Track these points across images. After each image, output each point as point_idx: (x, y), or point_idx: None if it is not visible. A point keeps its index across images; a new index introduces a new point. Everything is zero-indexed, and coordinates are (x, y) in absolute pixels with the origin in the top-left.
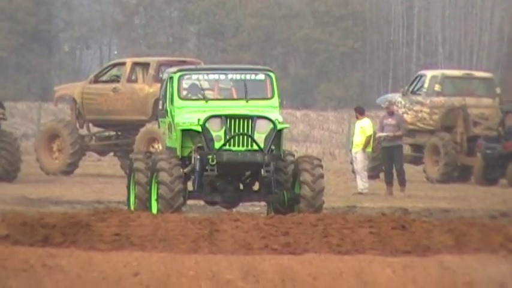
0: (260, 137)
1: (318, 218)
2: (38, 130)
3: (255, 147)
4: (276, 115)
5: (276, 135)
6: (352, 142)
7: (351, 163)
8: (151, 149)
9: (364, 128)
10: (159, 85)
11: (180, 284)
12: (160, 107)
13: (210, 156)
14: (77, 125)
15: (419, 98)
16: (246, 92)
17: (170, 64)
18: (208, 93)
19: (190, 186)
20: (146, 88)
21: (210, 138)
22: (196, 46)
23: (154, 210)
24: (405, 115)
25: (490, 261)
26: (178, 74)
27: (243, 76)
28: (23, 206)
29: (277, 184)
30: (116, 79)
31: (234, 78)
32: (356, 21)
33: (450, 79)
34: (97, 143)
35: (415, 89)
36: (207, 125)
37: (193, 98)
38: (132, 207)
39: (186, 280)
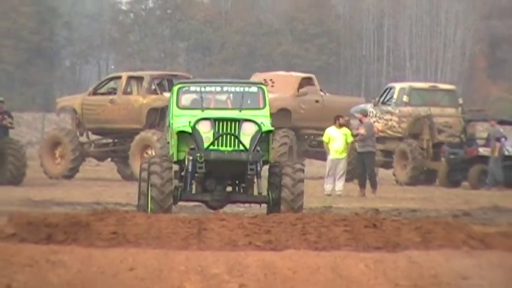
0: (246, 138)
1: (297, 217)
2: (42, 138)
3: (241, 147)
4: (264, 120)
5: (264, 138)
6: (329, 148)
7: (327, 167)
8: (145, 155)
9: (347, 135)
10: (152, 96)
11: (171, 278)
12: (166, 123)
13: (198, 154)
14: (77, 133)
15: (389, 108)
16: (241, 102)
17: (162, 78)
18: (205, 104)
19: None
20: (140, 99)
21: (200, 139)
22: (185, 61)
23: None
24: (376, 123)
25: (454, 256)
26: (178, 86)
27: (238, 89)
28: (28, 207)
29: (271, 187)
30: (113, 91)
31: (230, 90)
32: (330, 38)
33: (417, 91)
34: (96, 150)
35: (385, 99)
36: (197, 126)
37: (191, 107)
38: (149, 210)
39: (177, 274)
